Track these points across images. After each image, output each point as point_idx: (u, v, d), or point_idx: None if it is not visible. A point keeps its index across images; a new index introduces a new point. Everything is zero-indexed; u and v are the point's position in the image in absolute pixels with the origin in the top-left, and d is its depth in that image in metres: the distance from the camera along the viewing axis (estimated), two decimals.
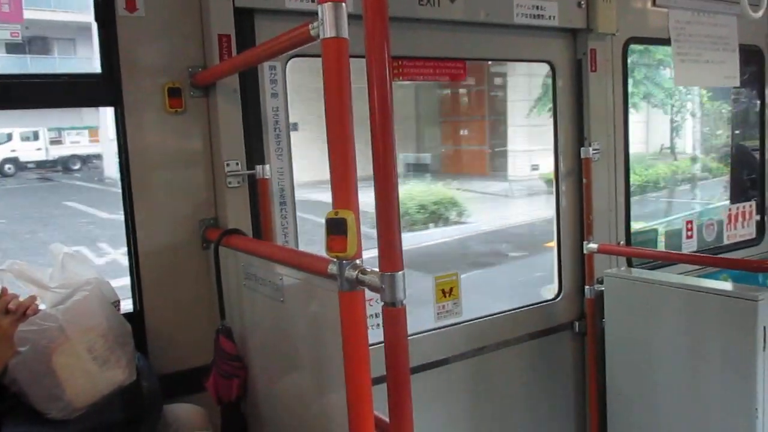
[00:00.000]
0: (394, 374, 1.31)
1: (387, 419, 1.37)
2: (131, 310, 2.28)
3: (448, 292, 2.72)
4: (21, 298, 1.74)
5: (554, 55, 3.15)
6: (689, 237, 3.75)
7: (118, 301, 1.98)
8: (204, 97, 2.30)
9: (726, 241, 3.93)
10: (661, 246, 3.85)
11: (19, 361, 1.67)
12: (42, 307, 1.80)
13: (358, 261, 1.31)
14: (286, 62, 2.45)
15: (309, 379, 1.82)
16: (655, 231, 4.10)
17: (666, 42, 3.41)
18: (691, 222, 3.76)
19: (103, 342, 1.78)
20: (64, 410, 1.69)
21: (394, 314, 1.29)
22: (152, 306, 2.28)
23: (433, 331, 2.80)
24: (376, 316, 2.48)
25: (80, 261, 1.99)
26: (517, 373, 3.12)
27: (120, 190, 2.27)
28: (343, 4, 1.27)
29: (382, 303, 1.30)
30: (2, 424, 1.68)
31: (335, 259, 1.32)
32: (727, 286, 2.91)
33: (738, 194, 4.50)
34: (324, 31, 1.27)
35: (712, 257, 3.51)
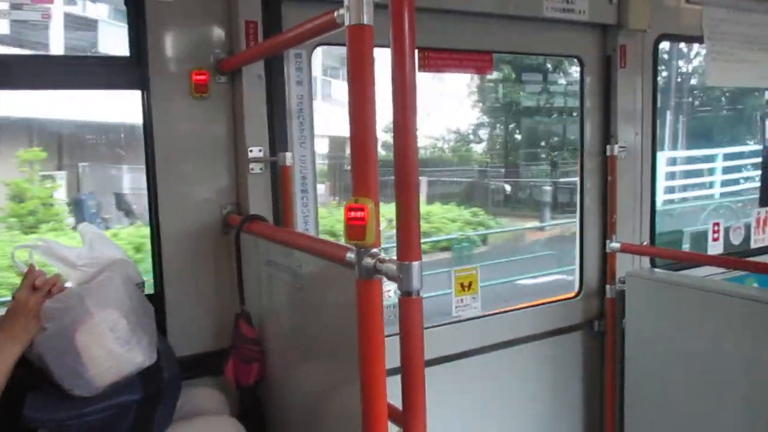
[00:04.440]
0: (409, 363, 1.31)
1: (401, 408, 1.37)
2: (152, 292, 2.32)
3: (467, 286, 2.71)
4: (47, 276, 1.78)
5: (583, 51, 3.11)
6: (715, 239, 3.68)
7: (143, 283, 2.01)
8: (229, 83, 2.32)
9: (754, 246, 3.85)
10: (686, 248, 3.79)
11: (45, 337, 1.71)
12: (68, 284, 1.83)
13: (376, 249, 1.32)
14: (312, 50, 2.46)
15: (325, 365, 1.83)
16: (681, 232, 4.04)
17: (698, 40, 3.35)
18: (717, 224, 3.69)
19: (126, 322, 1.80)
20: (86, 387, 1.72)
21: (410, 304, 1.29)
22: (173, 289, 2.31)
23: (451, 325, 2.80)
24: (394, 307, 2.48)
25: (107, 241, 2.02)
26: (534, 370, 3.10)
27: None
28: None
29: (399, 293, 1.30)
30: (27, 397, 1.72)
31: (354, 247, 1.33)
32: (753, 290, 2.85)
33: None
34: (349, 17, 1.27)
35: (738, 260, 3.44)
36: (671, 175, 10.00)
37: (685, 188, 10.18)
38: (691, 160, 10.34)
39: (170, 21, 2.21)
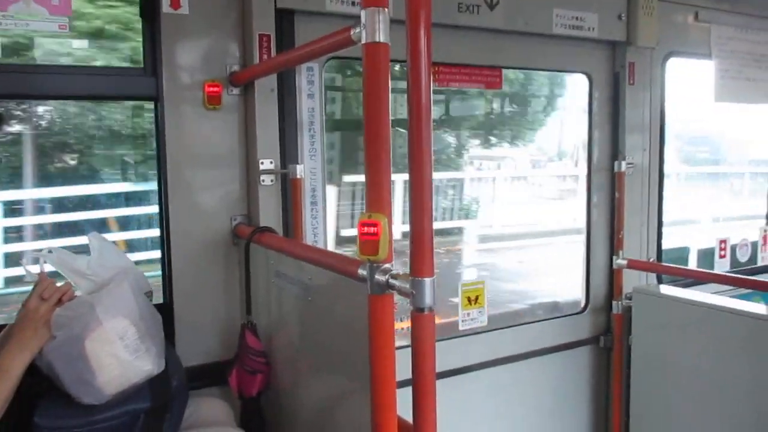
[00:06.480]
0: (421, 379, 1.31)
1: (410, 421, 1.37)
2: (161, 302, 2.33)
3: (473, 300, 2.71)
4: (58, 284, 1.79)
5: (592, 67, 3.13)
6: (722, 257, 3.68)
7: (151, 292, 2.01)
8: (242, 95, 2.33)
9: (760, 263, 3.85)
10: (693, 265, 3.79)
11: (54, 345, 1.71)
12: (78, 293, 1.84)
13: (388, 265, 1.33)
14: (324, 64, 2.48)
15: (334, 378, 1.83)
16: (687, 249, 4.03)
17: (706, 57, 3.36)
18: (724, 242, 3.69)
19: (135, 331, 1.81)
20: (94, 395, 1.73)
21: (422, 320, 1.29)
22: (181, 298, 2.32)
23: (458, 338, 2.80)
24: (401, 320, 2.49)
25: (115, 250, 2.03)
26: (541, 384, 3.10)
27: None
28: (386, 9, 1.28)
29: (411, 308, 1.31)
30: (37, 405, 1.72)
31: (366, 262, 1.33)
32: (760, 308, 2.84)
33: None
34: (365, 35, 1.29)
35: (744, 278, 3.42)
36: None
37: None
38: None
39: (184, 33, 2.23)
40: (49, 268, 1.85)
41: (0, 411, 1.58)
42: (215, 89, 2.26)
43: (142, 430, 1.83)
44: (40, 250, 1.88)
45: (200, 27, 2.26)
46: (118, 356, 1.77)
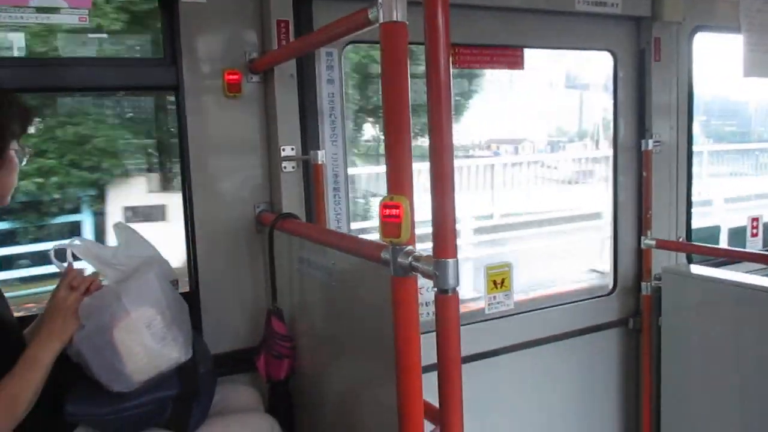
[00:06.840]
0: (446, 361, 1.30)
1: (436, 406, 1.37)
2: (187, 290, 2.35)
3: (499, 283, 2.69)
4: (86, 273, 1.81)
5: (616, 44, 3.06)
6: (754, 235, 3.60)
7: (177, 280, 2.03)
8: (261, 83, 2.33)
9: None
10: (723, 245, 3.71)
11: (83, 334, 1.73)
12: (105, 283, 1.86)
13: (410, 247, 1.31)
14: (343, 48, 2.46)
15: (359, 362, 1.84)
16: (717, 228, 3.95)
17: (735, 31, 3.27)
18: (756, 219, 3.60)
19: (162, 319, 1.83)
20: (123, 383, 1.75)
21: (446, 301, 1.28)
22: (207, 287, 2.34)
23: (484, 322, 2.78)
24: (427, 305, 2.48)
25: (142, 239, 2.05)
26: (569, 368, 3.07)
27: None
28: None
29: (435, 290, 1.29)
30: (68, 393, 1.75)
31: (389, 245, 1.32)
32: None
33: None
34: (382, 15, 1.27)
35: None
36: None
37: None
38: None
39: (203, 22, 2.23)
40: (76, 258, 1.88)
41: (32, 400, 1.61)
42: (235, 77, 2.26)
43: (170, 417, 1.85)
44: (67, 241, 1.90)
45: (218, 15, 2.25)
46: (145, 345, 1.79)
